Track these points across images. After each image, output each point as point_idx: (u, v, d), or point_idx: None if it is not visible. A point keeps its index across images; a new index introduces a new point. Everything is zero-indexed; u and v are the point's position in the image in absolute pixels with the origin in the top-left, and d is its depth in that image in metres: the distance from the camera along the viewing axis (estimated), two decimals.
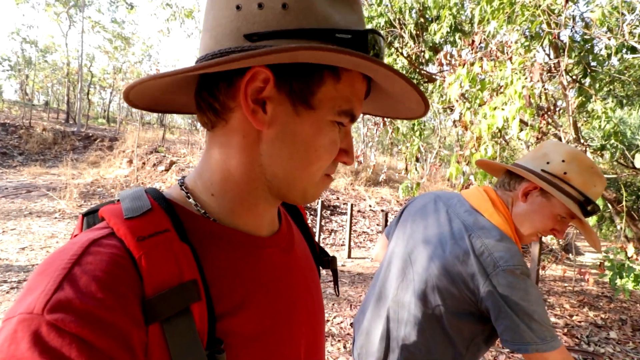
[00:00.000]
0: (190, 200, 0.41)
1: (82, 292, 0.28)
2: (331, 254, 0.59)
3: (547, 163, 0.87)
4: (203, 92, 0.39)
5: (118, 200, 0.38)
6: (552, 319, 3.34)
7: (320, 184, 0.43)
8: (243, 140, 0.39)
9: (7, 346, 0.25)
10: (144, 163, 8.99)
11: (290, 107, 0.38)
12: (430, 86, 7.42)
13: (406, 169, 6.06)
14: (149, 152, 9.50)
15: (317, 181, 0.42)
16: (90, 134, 12.45)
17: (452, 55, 4.04)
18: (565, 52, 2.86)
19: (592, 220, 2.99)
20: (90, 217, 0.39)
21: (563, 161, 0.86)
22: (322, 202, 6.26)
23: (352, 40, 0.36)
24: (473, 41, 3.04)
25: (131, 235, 0.32)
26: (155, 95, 0.42)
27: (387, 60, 6.11)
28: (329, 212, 7.83)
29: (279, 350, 0.40)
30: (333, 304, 3.57)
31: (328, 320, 3.18)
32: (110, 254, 0.31)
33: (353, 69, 0.38)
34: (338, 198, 8.88)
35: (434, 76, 7.31)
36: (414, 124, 6.50)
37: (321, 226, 6.39)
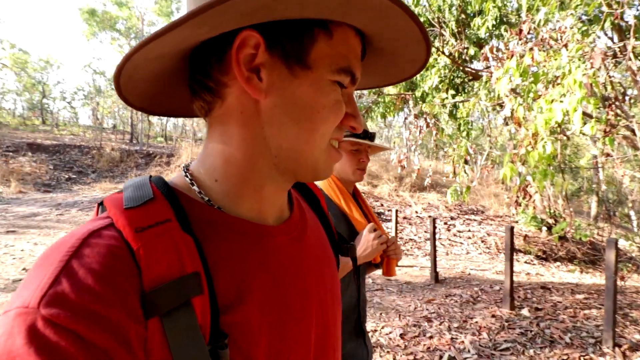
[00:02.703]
0: (194, 187, 0.39)
1: (78, 286, 0.27)
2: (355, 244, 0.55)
3: None
4: (196, 75, 0.38)
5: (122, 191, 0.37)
6: (636, 336, 2.92)
7: (329, 155, 0.40)
8: (242, 115, 0.37)
9: (4, 341, 0.25)
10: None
11: (285, 70, 0.36)
12: (476, 84, 7.04)
13: (454, 172, 5.76)
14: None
15: (325, 149, 0.39)
16: (151, 152, 13.61)
17: (498, 49, 3.79)
18: (632, 34, 2.54)
19: None
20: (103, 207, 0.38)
21: None
22: None
23: None
24: (521, 30, 2.83)
25: (129, 227, 0.31)
26: (149, 91, 0.40)
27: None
28: None
29: (287, 343, 0.38)
30: (381, 314, 3.45)
31: (376, 330, 3.07)
32: (108, 245, 0.30)
33: (344, 19, 0.35)
34: (382, 205, 8.69)
35: (479, 73, 6.93)
36: (460, 124, 6.18)
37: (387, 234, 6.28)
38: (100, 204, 0.37)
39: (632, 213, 10.42)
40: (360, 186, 9.55)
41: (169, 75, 0.39)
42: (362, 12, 0.34)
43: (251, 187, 0.40)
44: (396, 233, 5.61)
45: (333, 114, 0.38)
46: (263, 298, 0.37)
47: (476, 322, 3.21)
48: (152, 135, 20.19)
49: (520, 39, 2.85)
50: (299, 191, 0.55)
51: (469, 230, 7.76)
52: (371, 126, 10.80)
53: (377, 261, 1.19)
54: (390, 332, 3.02)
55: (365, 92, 10.20)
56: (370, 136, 1.20)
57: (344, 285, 1.09)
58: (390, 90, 8.29)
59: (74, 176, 11.41)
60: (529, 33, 2.93)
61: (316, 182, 1.15)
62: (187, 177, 0.40)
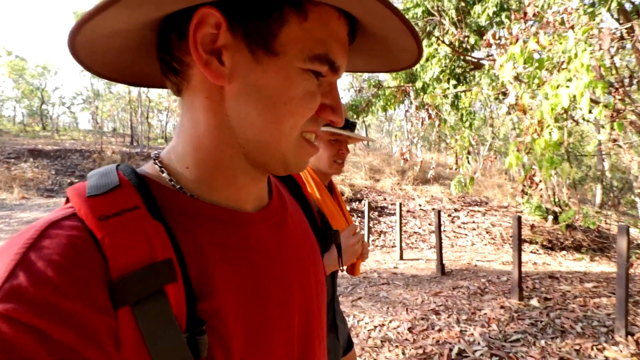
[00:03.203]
0: (164, 175, 0.37)
1: (36, 279, 0.25)
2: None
3: None
4: (160, 50, 0.35)
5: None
6: None
7: (301, 149, 0.37)
8: (206, 100, 0.34)
9: None
10: None
11: (248, 54, 0.32)
12: (477, 74, 6.94)
13: (456, 163, 5.69)
14: None
15: (294, 143, 0.36)
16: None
17: (500, 36, 3.71)
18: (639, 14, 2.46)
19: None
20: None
21: None
22: (369, 203, 6.11)
23: None
24: (525, 13, 2.75)
25: (92, 215, 0.29)
26: (114, 59, 0.37)
27: (427, 50, 5.83)
28: (376, 213, 7.63)
29: (267, 331, 0.37)
30: (388, 308, 3.41)
31: (383, 325, 3.03)
32: (69, 235, 0.28)
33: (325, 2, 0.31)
34: (385, 199, 8.63)
35: (480, 61, 6.83)
36: (462, 115, 6.10)
37: (369, 228, 6.23)
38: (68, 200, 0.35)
39: (638, 200, 10.32)
40: (363, 181, 9.51)
41: (138, 49, 0.36)
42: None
43: (224, 175, 0.37)
44: (400, 227, 5.56)
45: (302, 107, 0.34)
46: (240, 285, 0.35)
47: (485, 313, 3.17)
48: (152, 137, 20.20)
49: (525, 22, 2.77)
50: (280, 178, 0.52)
51: (474, 222, 7.70)
52: (371, 120, 10.73)
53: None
54: (398, 326, 2.98)
55: (365, 85, 10.11)
56: (351, 126, 1.13)
57: None
58: (391, 82, 8.20)
59: (76, 180, 11.43)
60: (534, 16, 2.85)
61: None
62: (157, 164, 0.38)
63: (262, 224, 0.40)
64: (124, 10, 0.29)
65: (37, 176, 11.10)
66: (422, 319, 3.10)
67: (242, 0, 0.31)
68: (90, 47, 0.33)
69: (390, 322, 3.08)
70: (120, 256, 0.28)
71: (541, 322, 2.95)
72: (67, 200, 0.34)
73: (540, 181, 4.11)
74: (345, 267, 1.15)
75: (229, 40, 0.32)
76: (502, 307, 3.31)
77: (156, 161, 0.38)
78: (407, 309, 3.34)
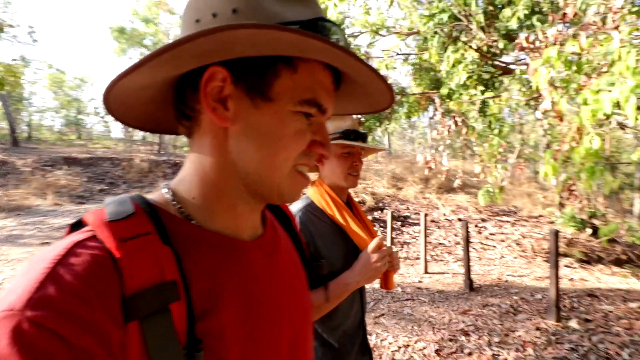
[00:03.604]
0: (174, 203, 0.42)
1: (63, 290, 0.29)
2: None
3: None
4: (177, 102, 0.42)
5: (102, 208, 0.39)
6: None
7: (294, 180, 0.43)
8: (214, 140, 0.41)
9: None
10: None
11: (248, 101, 0.39)
12: (507, 79, 6.66)
13: (483, 172, 5.44)
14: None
15: (287, 174, 0.42)
16: (177, 161, 13.95)
17: (536, 38, 3.51)
18: None
19: None
20: (77, 228, 0.39)
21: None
22: (392, 212, 5.94)
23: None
24: (565, 14, 2.57)
25: (112, 237, 0.34)
26: (140, 110, 0.44)
27: (453, 56, 5.65)
28: (399, 223, 7.42)
29: (258, 352, 0.40)
30: (413, 326, 3.24)
31: (408, 346, 2.87)
32: (92, 254, 0.32)
33: (302, 56, 0.38)
34: (408, 208, 8.40)
35: (510, 66, 6.56)
36: (490, 121, 5.85)
37: (392, 238, 6.05)
38: (73, 225, 0.38)
39: None
40: (385, 189, 9.31)
41: (160, 101, 0.44)
42: (317, 52, 0.36)
43: (225, 205, 0.43)
44: (425, 238, 5.35)
45: (293, 142, 0.41)
46: (236, 308, 0.39)
47: (519, 335, 2.94)
48: (178, 145, 20.82)
49: (564, 23, 2.59)
50: (273, 212, 0.58)
51: (502, 233, 7.33)
52: (394, 127, 10.54)
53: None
54: (424, 348, 2.81)
55: None
56: (362, 137, 1.12)
57: (348, 303, 1.05)
58: (414, 89, 8.03)
59: (106, 187, 11.85)
60: (574, 16, 2.66)
61: (309, 194, 1.12)
62: (167, 194, 0.43)
63: (258, 251, 0.45)
64: (148, 71, 0.36)
65: (70, 183, 11.59)
66: (450, 340, 2.92)
67: (244, 59, 0.38)
68: (121, 100, 0.41)
69: (415, 342, 2.91)
70: (135, 274, 0.33)
71: (582, 347, 2.70)
72: (69, 230, 0.38)
73: (574, 191, 3.83)
74: (378, 281, 1.10)
75: (233, 90, 0.39)
76: (537, 328, 3.07)
77: (167, 191, 0.43)
78: (433, 329, 3.16)
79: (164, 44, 0.35)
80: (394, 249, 1.13)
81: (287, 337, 0.45)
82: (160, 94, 0.42)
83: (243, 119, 0.40)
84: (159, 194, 0.43)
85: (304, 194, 1.11)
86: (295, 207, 1.07)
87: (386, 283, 1.10)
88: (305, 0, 0.41)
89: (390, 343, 2.94)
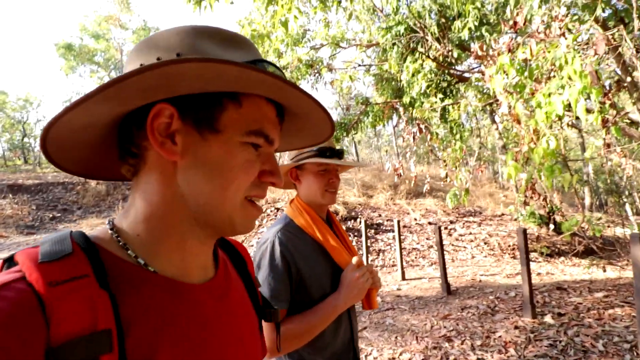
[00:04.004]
0: (118, 240, 0.40)
1: None
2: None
3: (291, 154, 1.14)
4: (122, 141, 0.41)
5: (37, 246, 0.36)
6: None
7: (246, 211, 0.43)
8: (161, 175, 0.40)
9: None
10: None
11: (197, 134, 0.39)
12: (463, 86, 7.00)
13: (446, 175, 5.61)
14: None
15: (239, 205, 0.42)
16: None
17: (488, 47, 3.69)
18: (635, 16, 2.44)
19: None
20: (10, 264, 0.36)
21: None
22: (365, 221, 5.93)
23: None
24: (515, 22, 2.71)
25: (43, 280, 0.31)
26: (77, 155, 0.42)
27: (412, 66, 5.85)
28: (372, 230, 7.45)
29: None
30: (396, 337, 3.18)
31: (394, 358, 2.80)
32: (15, 298, 0.30)
33: (245, 90, 0.40)
34: (380, 215, 8.48)
35: (464, 74, 6.91)
36: (452, 127, 6.08)
37: (367, 247, 6.04)
38: (6, 260, 0.35)
39: (628, 201, 10.43)
40: (356, 198, 9.36)
41: (102, 143, 0.42)
42: (258, 85, 0.39)
43: (173, 242, 0.41)
44: (400, 244, 5.38)
45: (243, 172, 0.41)
46: (178, 356, 0.37)
47: (500, 336, 2.98)
48: None
49: (515, 32, 2.73)
50: (227, 253, 0.55)
51: (470, 233, 7.58)
52: (361, 137, 10.71)
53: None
54: (410, 359, 2.76)
55: (353, 102, 10.14)
56: (338, 154, 1.12)
57: (335, 322, 1.02)
58: (378, 99, 8.22)
59: (59, 214, 10.97)
60: (525, 24, 2.81)
61: (287, 212, 1.11)
62: (111, 231, 0.41)
63: (205, 295, 0.43)
64: (93, 106, 0.35)
65: (16, 212, 10.62)
66: (435, 347, 2.89)
67: (189, 96, 0.38)
68: (58, 144, 0.39)
69: (400, 354, 2.85)
70: (63, 323, 0.30)
71: (560, 342, 2.78)
72: (2, 265, 0.35)
73: (536, 190, 4.02)
74: (360, 303, 1.07)
75: (180, 126, 0.39)
76: (516, 327, 3.13)
77: (111, 228, 0.41)
78: (417, 337, 3.12)
79: (116, 61, 0.31)
80: (374, 266, 1.10)
81: None
82: (101, 136, 0.41)
83: (192, 152, 0.39)
84: (102, 229, 0.41)
85: (283, 213, 1.13)
86: (274, 228, 1.05)
87: (369, 303, 1.07)
88: (245, 46, 0.42)
89: (375, 358, 2.86)
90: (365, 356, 2.89)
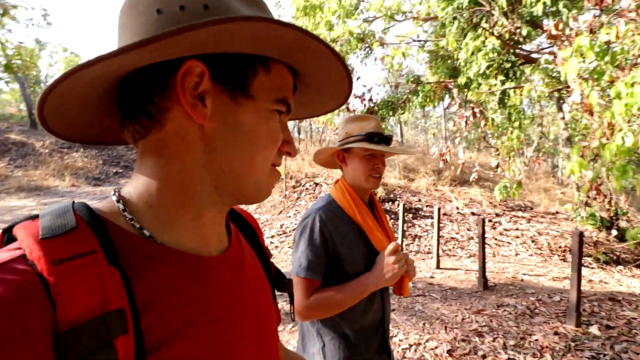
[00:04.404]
0: (126, 214, 0.36)
1: None
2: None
3: (340, 136, 1.16)
4: (132, 98, 0.37)
5: (37, 217, 0.33)
6: None
7: (270, 177, 0.42)
8: (183, 140, 0.37)
9: None
10: None
11: (229, 98, 0.37)
12: (529, 69, 6.34)
13: (497, 165, 5.23)
14: None
15: (267, 172, 0.41)
16: None
17: (565, 25, 3.26)
18: None
19: None
20: (10, 235, 0.33)
21: (342, 128, 1.15)
22: (403, 205, 5.81)
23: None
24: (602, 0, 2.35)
25: (45, 258, 0.28)
26: (74, 118, 0.39)
27: (473, 43, 5.40)
28: (410, 215, 7.29)
29: None
30: (424, 324, 3.15)
31: (419, 344, 2.79)
32: (16, 280, 0.27)
33: (282, 59, 0.40)
34: (420, 200, 8.24)
35: (532, 55, 6.25)
36: (510, 113, 5.59)
37: (403, 231, 5.94)
38: (6, 231, 0.32)
39: None
40: (396, 180, 9.16)
41: (97, 101, 0.38)
42: (300, 53, 0.39)
43: (191, 212, 0.39)
44: (438, 231, 5.22)
45: (272, 140, 0.41)
46: (196, 335, 0.35)
47: (536, 340, 2.83)
48: None
49: (600, 9, 2.38)
50: (236, 224, 0.54)
51: (517, 229, 7.13)
52: (407, 117, 10.28)
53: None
54: (436, 347, 2.73)
55: (403, 80, 9.68)
56: (386, 139, 1.12)
57: (368, 300, 1.05)
58: (430, 78, 7.76)
59: (121, 170, 12.04)
60: (613, 0, 2.44)
61: (331, 192, 1.15)
62: (118, 202, 0.37)
63: (222, 267, 0.42)
64: (130, 56, 0.32)
65: (86, 165, 11.81)
66: (464, 340, 2.83)
67: (221, 55, 0.36)
68: (60, 100, 0.35)
69: (427, 341, 2.83)
70: (71, 304, 0.27)
71: (604, 355, 2.58)
72: (2, 236, 0.32)
73: (601, 190, 3.62)
74: (391, 288, 1.12)
75: (211, 86, 0.36)
76: (556, 333, 2.94)
77: (118, 199, 0.38)
78: (445, 327, 3.07)
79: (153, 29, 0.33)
80: (410, 254, 1.10)
81: (256, 359, 0.43)
82: (102, 91, 0.37)
83: (222, 116, 0.37)
84: (107, 202, 0.38)
85: (327, 192, 1.17)
86: (317, 205, 1.09)
87: (400, 289, 1.10)
88: (260, 4, 0.41)
89: (400, 340, 2.87)
90: (391, 337, 2.91)
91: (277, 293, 0.57)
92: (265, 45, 0.36)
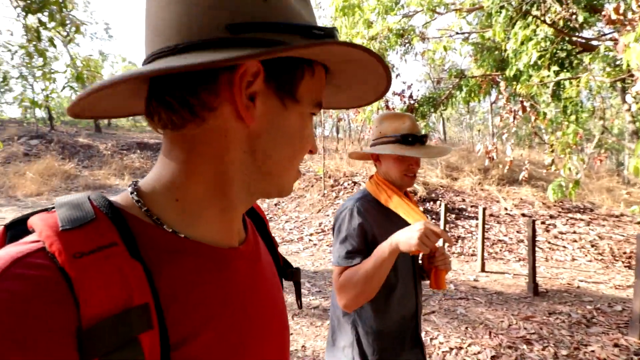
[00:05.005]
0: (141, 206, 0.36)
1: None
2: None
3: (373, 134, 1.18)
4: (175, 88, 0.34)
5: (53, 209, 0.31)
6: None
7: (296, 177, 0.43)
8: (225, 138, 0.36)
9: None
10: None
11: (277, 100, 0.37)
12: (586, 58, 5.81)
13: (552, 163, 4.85)
14: None
15: (295, 172, 0.42)
16: None
17: (627, 9, 2.96)
18: None
19: None
20: (16, 230, 0.32)
21: (376, 127, 1.17)
22: (445, 204, 5.61)
23: (323, 37, 0.36)
24: None
25: (66, 251, 0.27)
26: (95, 101, 0.35)
27: (522, 32, 5.06)
28: (453, 216, 7.01)
29: None
30: (467, 328, 3.04)
31: (461, 348, 2.70)
32: (37, 277, 0.26)
33: (327, 64, 0.40)
34: (464, 200, 7.89)
35: (591, 42, 5.73)
36: (566, 106, 5.16)
37: (445, 232, 5.74)
38: (10, 226, 0.32)
39: None
40: (438, 179, 8.84)
41: (132, 87, 0.37)
42: (350, 63, 0.39)
43: (218, 208, 0.39)
44: (483, 233, 4.98)
45: (308, 142, 0.41)
46: (220, 329, 0.35)
47: (592, 351, 2.61)
48: None
49: None
50: (248, 215, 0.54)
51: (574, 232, 6.56)
52: (450, 113, 9.89)
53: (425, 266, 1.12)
54: (479, 352, 2.63)
55: (445, 75, 9.32)
56: (421, 139, 1.10)
57: (403, 293, 1.05)
58: (475, 71, 7.40)
59: None
60: None
61: (366, 186, 1.17)
62: (134, 196, 0.36)
63: (242, 259, 0.42)
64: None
65: (142, 165, 12.79)
66: (510, 347, 2.69)
67: (274, 59, 0.35)
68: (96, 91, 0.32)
69: (469, 345, 2.73)
70: (95, 299, 0.26)
71: None
72: (4, 232, 0.31)
73: None
74: (428, 281, 1.11)
75: (262, 88, 0.36)
76: (616, 345, 2.69)
77: (134, 193, 0.37)
78: (490, 333, 2.93)
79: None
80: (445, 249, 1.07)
81: (274, 351, 0.43)
82: (136, 84, 0.36)
83: (269, 118, 0.37)
84: (124, 195, 0.37)
85: (362, 186, 1.26)
86: (353, 198, 1.11)
87: (437, 282, 1.07)
88: (307, 2, 0.40)
89: (441, 343, 2.80)
90: (431, 339, 2.85)
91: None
92: (326, 56, 0.37)
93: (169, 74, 0.33)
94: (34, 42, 3.24)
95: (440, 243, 5.39)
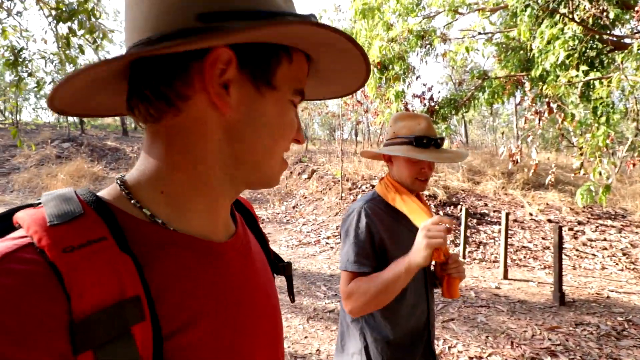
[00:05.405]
0: (133, 201, 0.36)
1: None
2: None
3: (387, 134, 1.17)
4: (149, 80, 0.34)
5: (39, 204, 0.32)
6: None
7: (282, 167, 0.42)
8: (202, 128, 0.36)
9: None
10: (291, 172, 10.14)
11: (253, 88, 0.37)
12: (618, 57, 5.53)
13: (581, 166, 4.62)
14: (295, 163, 10.58)
15: (281, 161, 0.42)
16: None
17: None
18: None
19: None
20: (1, 227, 0.31)
21: (390, 126, 1.16)
22: (467, 209, 5.46)
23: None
24: None
25: (56, 246, 0.27)
26: (80, 97, 0.36)
27: (549, 31, 4.88)
28: (475, 221, 6.81)
29: None
30: (487, 337, 2.94)
31: (481, 358, 2.61)
32: (26, 272, 0.26)
33: (305, 50, 0.40)
34: (486, 204, 7.65)
35: (623, 40, 5.46)
36: (595, 107, 4.92)
37: (466, 237, 5.59)
38: None
39: None
40: (459, 183, 8.63)
41: (107, 81, 0.36)
42: (328, 47, 0.38)
43: (204, 199, 0.39)
44: (506, 239, 4.81)
45: (289, 130, 0.41)
46: (212, 321, 0.35)
47: None
48: None
49: None
50: (235, 208, 0.54)
51: (605, 239, 6.23)
52: (473, 115, 9.66)
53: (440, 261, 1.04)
54: None
55: (467, 77, 9.10)
56: (435, 142, 1.06)
57: (412, 302, 1.02)
58: (498, 72, 7.19)
59: None
60: None
61: (376, 188, 1.14)
62: (122, 190, 0.36)
63: (233, 252, 0.42)
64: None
65: None
66: (533, 358, 2.57)
67: (248, 45, 0.35)
68: (69, 88, 0.33)
69: (489, 355, 2.63)
70: (86, 293, 0.27)
71: None
72: None
73: None
74: (440, 289, 1.06)
75: (236, 75, 0.35)
76: None
77: (122, 186, 0.37)
78: (512, 343, 2.82)
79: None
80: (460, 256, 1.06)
81: (266, 344, 0.43)
82: (112, 77, 0.36)
83: (245, 106, 0.36)
84: (112, 188, 0.37)
85: (373, 189, 1.18)
86: (362, 200, 1.09)
87: (449, 290, 1.02)
88: None
89: (460, 352, 2.71)
90: (449, 348, 2.77)
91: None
92: (298, 39, 0.36)
93: (144, 66, 0.34)
94: (64, 49, 3.42)
95: (461, 242, 5.22)
